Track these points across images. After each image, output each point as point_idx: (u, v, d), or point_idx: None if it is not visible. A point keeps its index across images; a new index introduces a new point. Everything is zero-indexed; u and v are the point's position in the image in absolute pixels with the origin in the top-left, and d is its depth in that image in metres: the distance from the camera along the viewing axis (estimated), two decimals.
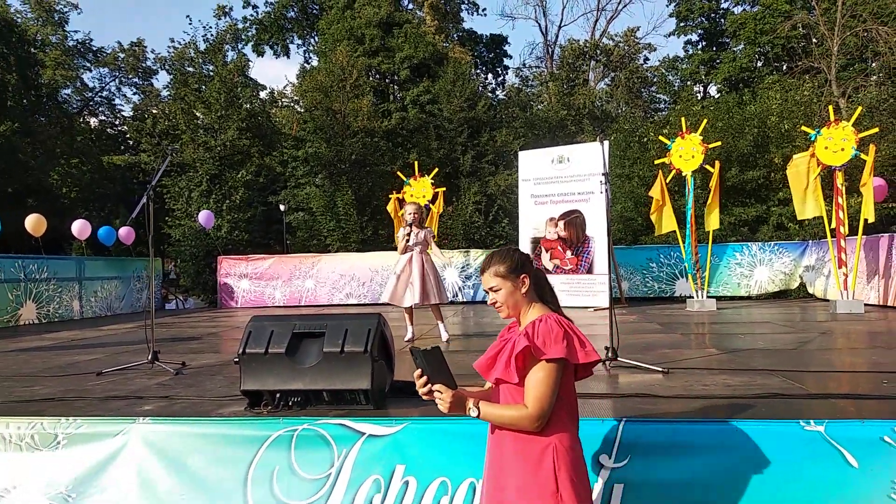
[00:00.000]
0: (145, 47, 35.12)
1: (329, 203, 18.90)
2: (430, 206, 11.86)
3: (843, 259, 8.82)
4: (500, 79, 35.12)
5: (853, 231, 9.18)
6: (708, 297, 10.13)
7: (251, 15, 34.20)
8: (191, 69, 20.05)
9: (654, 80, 33.05)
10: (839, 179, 8.73)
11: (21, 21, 34.05)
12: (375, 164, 22.11)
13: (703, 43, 29.64)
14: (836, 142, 8.66)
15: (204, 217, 13.30)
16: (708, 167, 9.82)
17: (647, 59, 34.37)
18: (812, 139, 8.90)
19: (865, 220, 8.50)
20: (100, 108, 38.14)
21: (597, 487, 3.00)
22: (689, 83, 29.18)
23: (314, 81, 21.84)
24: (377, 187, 21.93)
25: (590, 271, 10.67)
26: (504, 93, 35.32)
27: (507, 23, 63.62)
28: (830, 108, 9.68)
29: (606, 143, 10.71)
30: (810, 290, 11.24)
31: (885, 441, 2.98)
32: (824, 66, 23.43)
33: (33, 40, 33.07)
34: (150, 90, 35.60)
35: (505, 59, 35.34)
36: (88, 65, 37.22)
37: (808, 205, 8.98)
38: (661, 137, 10.71)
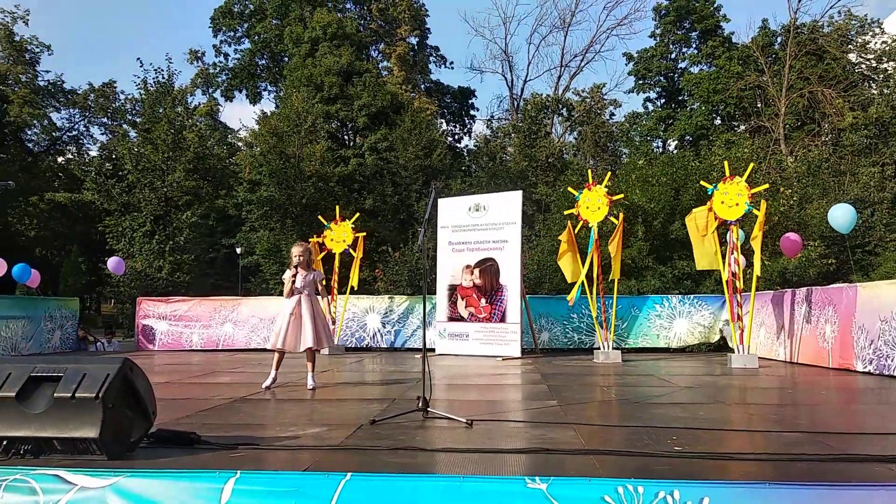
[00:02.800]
0: (115, 88, 35.22)
1: (273, 248, 18.79)
2: (351, 251, 11.78)
3: (739, 314, 8.78)
4: (466, 129, 35.59)
5: (771, 286, 9.16)
6: (614, 348, 10.03)
7: (220, 62, 34.65)
8: (136, 110, 20.05)
9: (618, 134, 33.69)
10: (734, 234, 8.77)
11: None
12: (328, 209, 22.13)
13: (663, 100, 30.35)
14: (732, 197, 8.73)
15: (113, 263, 13.07)
16: (612, 219, 9.85)
17: (612, 114, 35.12)
18: (710, 193, 8.98)
19: (758, 277, 8.51)
20: (67, 147, 38.13)
21: None
22: (647, 139, 29.73)
23: (268, 126, 22.01)
24: (365, 234, 21.91)
25: (503, 320, 10.56)
26: (473, 142, 35.87)
27: (475, 76, 64.99)
28: (726, 163, 9.80)
29: (520, 192, 10.83)
30: (730, 344, 11.18)
31: (605, 501, 2.84)
32: (773, 125, 24.00)
33: (2, 77, 33.22)
34: (117, 130, 35.71)
35: (472, 110, 35.95)
36: (57, 105, 37.34)
37: (703, 257, 9.00)
38: (569, 188, 10.77)
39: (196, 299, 13.16)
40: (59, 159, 37.01)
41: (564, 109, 33.32)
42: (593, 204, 9.90)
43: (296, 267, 6.33)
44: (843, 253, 17.38)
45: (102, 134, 37.40)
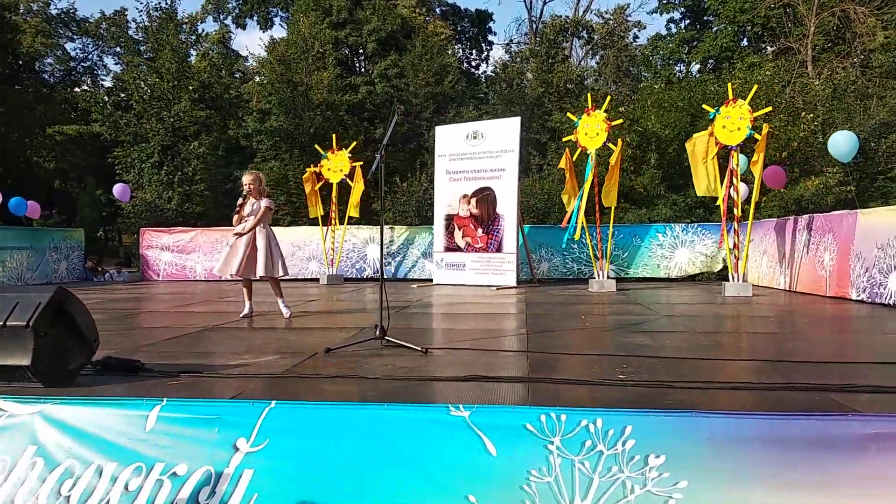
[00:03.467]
0: (126, 17, 34.64)
1: (282, 178, 18.70)
2: (349, 180, 11.65)
3: (736, 242, 8.57)
4: (483, 55, 34.57)
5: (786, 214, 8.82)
6: (614, 278, 9.91)
7: None
8: (141, 38, 19.73)
9: (640, 58, 32.47)
10: (734, 160, 8.46)
11: None
12: (337, 139, 21.87)
13: (687, 21, 29.01)
14: (734, 121, 8.38)
15: (118, 190, 13.13)
16: (610, 145, 9.54)
17: (636, 36, 33.80)
18: (711, 118, 8.62)
19: (758, 203, 8.23)
20: (82, 78, 37.94)
21: (226, 472, 2.86)
22: (669, 62, 28.62)
23: (276, 53, 21.57)
24: (362, 162, 21.73)
25: (499, 249, 10.46)
26: (491, 69, 34.89)
27: None
28: (729, 85, 9.35)
29: (518, 119, 10.52)
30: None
31: (527, 429, 2.80)
32: (801, 46, 22.84)
33: (13, 5, 32.76)
34: (129, 60, 35.36)
35: (489, 35, 34.81)
36: (71, 34, 36.96)
37: (701, 184, 8.73)
38: (568, 114, 10.42)
39: (197, 229, 13.24)
40: (77, 90, 36.90)
41: (585, 32, 32.09)
42: (592, 130, 9.58)
43: (244, 196, 6.25)
44: (864, 179, 16.82)
45: (116, 64, 37.08)
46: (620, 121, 10.22)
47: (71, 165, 32.22)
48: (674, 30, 29.37)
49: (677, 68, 28.93)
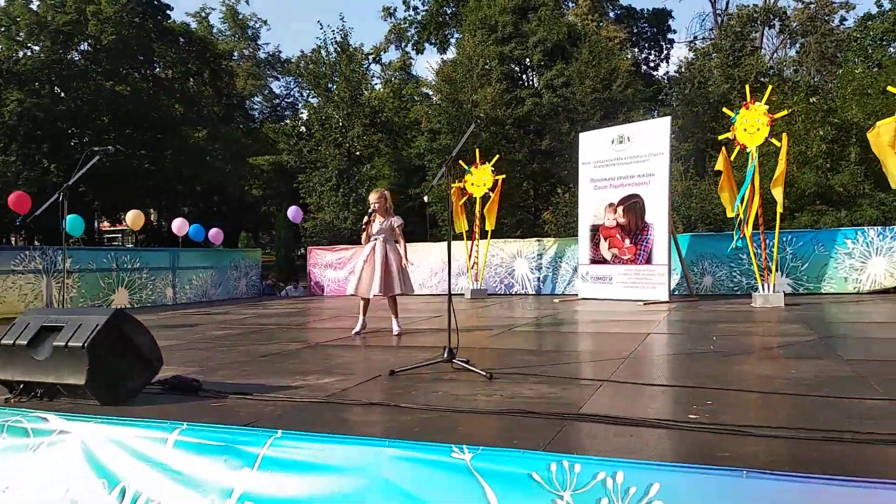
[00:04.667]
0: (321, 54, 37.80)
1: (443, 194, 19.06)
2: (490, 193, 11.47)
3: None
4: (663, 55, 32.74)
5: None
6: (786, 293, 8.62)
7: (410, 16, 35.43)
8: (323, 70, 21.27)
9: (847, 42, 28.72)
10: None
11: (220, 38, 38.68)
12: (504, 153, 21.85)
13: None
14: None
15: (291, 212, 14.13)
16: (774, 140, 8.33)
17: (843, 18, 30.04)
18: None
19: None
20: (286, 113, 41.99)
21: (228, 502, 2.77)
22: (882, 43, 24.90)
23: (443, 74, 22.15)
24: (504, 176, 21.68)
25: (648, 261, 9.63)
26: (674, 69, 33.00)
27: None
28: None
29: (668, 119, 9.64)
30: None
31: (533, 479, 2.38)
32: None
33: (228, 54, 37.24)
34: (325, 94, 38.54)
35: (669, 33, 32.90)
36: (276, 74, 41.19)
37: (895, 176, 7.28)
38: (724, 109, 9.31)
39: (356, 247, 13.82)
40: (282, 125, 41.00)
41: (777, 20, 29.09)
42: (751, 125, 8.46)
43: (372, 213, 6.25)
44: None
45: (314, 97, 40.65)
46: (785, 112, 8.91)
47: (274, 192, 35.73)
48: (886, 6, 25.52)
49: (892, 49, 25.12)
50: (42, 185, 25.76)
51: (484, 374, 3.93)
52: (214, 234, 13.32)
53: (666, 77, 33.15)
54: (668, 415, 2.92)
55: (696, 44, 31.77)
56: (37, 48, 24.35)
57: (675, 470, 2.24)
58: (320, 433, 2.84)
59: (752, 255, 8.86)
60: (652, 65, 32.41)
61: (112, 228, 41.58)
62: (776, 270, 9.82)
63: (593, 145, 10.51)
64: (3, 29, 23.19)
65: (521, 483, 2.39)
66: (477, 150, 12.19)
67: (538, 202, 24.65)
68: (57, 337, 3.49)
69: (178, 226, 12.99)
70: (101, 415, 3.22)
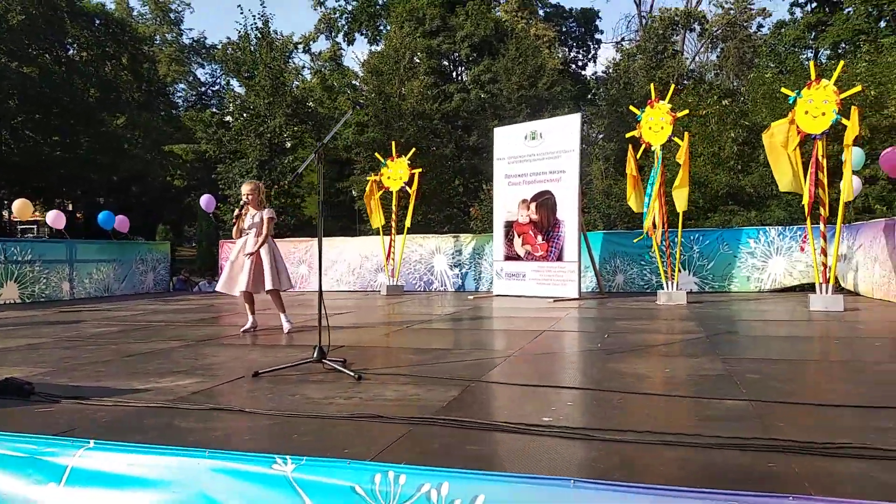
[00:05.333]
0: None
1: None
2: (407, 188, 11.27)
3: (823, 247, 7.25)
4: (590, 55, 33.26)
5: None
6: (682, 290, 8.76)
7: (341, 5, 34.82)
8: (243, 57, 20.59)
9: (762, 48, 29.91)
10: (819, 150, 7.16)
11: (141, 21, 37.05)
12: (430, 147, 21.69)
13: (814, 4, 26.27)
14: (817, 105, 7.10)
15: (204, 201, 13.57)
16: (676, 139, 8.45)
17: (760, 26, 31.29)
18: (791, 102, 7.39)
19: (847, 203, 6.91)
20: (212, 102, 40.58)
21: None
22: (794, 49, 26.01)
23: (370, 66, 21.79)
24: (430, 170, 21.52)
25: (560, 258, 9.63)
26: (601, 69, 33.58)
27: None
28: (812, 64, 7.98)
29: (578, 115, 9.66)
30: (843, 284, 9.45)
31: (356, 492, 2.18)
32: None
33: (149, 38, 35.67)
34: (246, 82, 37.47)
35: (597, 33, 33.45)
36: (201, 61, 39.77)
37: (784, 178, 7.47)
38: (631, 107, 9.41)
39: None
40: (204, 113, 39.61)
41: (697, 24, 30.00)
42: (656, 123, 8.56)
43: (243, 206, 5.95)
44: None
45: (240, 86, 39.47)
46: (686, 112, 9.06)
47: (199, 182, 34.53)
48: (798, 14, 26.70)
49: (804, 56, 26.26)
50: None
51: (353, 374, 3.73)
52: (120, 221, 12.61)
53: (594, 76, 33.73)
54: (522, 418, 2.78)
55: (622, 45, 32.48)
56: None
57: (502, 480, 2.10)
58: (137, 444, 2.57)
59: (657, 253, 8.96)
60: (580, 64, 32.88)
61: (27, 219, 39.29)
62: (683, 269, 10.04)
63: (507, 141, 10.45)
64: None
65: (343, 496, 2.19)
66: (393, 144, 11.96)
67: (467, 198, 24.62)
68: None
69: (53, 218, 12.17)
70: None
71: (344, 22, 35.12)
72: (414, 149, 11.92)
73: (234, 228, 6.04)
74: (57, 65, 28.54)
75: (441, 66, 24.25)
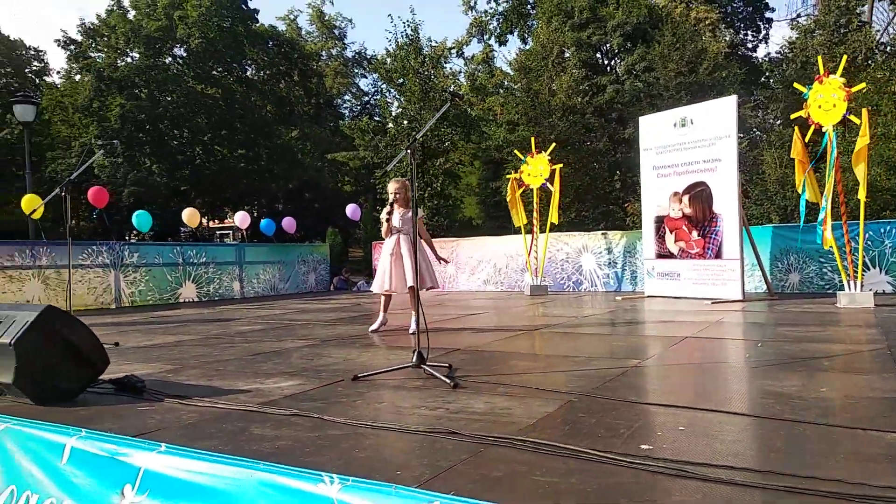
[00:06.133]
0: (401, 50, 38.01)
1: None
2: (548, 185, 10.85)
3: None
4: (762, 35, 30.47)
5: None
6: (864, 290, 7.52)
7: (491, 7, 34.89)
8: (394, 64, 21.21)
9: None
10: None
11: (309, 39, 39.71)
12: (582, 143, 20.96)
13: None
14: (827, 99, 5.98)
15: (350, 210, 14.07)
16: (852, 118, 7.25)
17: None
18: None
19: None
20: (375, 110, 42.56)
21: None
22: None
23: (517, 64, 21.54)
24: (583, 166, 20.79)
25: (718, 255, 8.74)
26: (775, 50, 30.62)
27: None
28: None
29: (734, 98, 8.72)
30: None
31: None
32: None
33: (316, 54, 38.15)
34: (398, 89, 38.75)
35: (767, 11, 30.57)
36: (364, 72, 41.81)
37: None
38: (795, 84, 8.23)
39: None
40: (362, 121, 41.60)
41: None
42: (826, 101, 7.43)
43: (391, 204, 5.86)
44: None
45: (393, 94, 41.03)
46: (862, 85, 7.76)
47: (365, 188, 36.32)
48: None
49: None
50: (148, 185, 27.35)
51: (449, 382, 3.49)
52: (288, 223, 13.55)
53: (767, 58, 30.83)
54: (614, 444, 2.38)
55: (798, 21, 29.31)
56: (136, 55, 25.79)
57: None
58: (202, 451, 2.51)
59: (834, 249, 7.80)
60: (750, 46, 30.21)
61: (222, 225, 43.46)
62: (873, 266, 8.76)
63: (654, 129, 9.70)
64: (104, 38, 24.68)
65: None
66: (532, 140, 11.59)
67: (624, 193, 23.55)
68: None
69: (240, 219, 13.22)
70: (21, 416, 3.04)
71: (496, 24, 35.15)
72: (554, 143, 11.47)
73: (384, 228, 6.00)
74: (238, 84, 31.34)
75: (592, 59, 23.36)
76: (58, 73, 31.89)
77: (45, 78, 31.99)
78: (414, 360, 3.79)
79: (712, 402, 3.02)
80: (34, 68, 31.56)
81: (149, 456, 2.52)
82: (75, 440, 2.74)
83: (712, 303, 8.32)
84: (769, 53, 32.27)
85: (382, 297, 6.23)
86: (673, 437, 2.45)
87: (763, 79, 28.63)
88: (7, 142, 25.37)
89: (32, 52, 34.47)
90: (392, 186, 5.97)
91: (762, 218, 15.21)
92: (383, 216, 5.97)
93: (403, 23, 20.52)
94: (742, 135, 21.27)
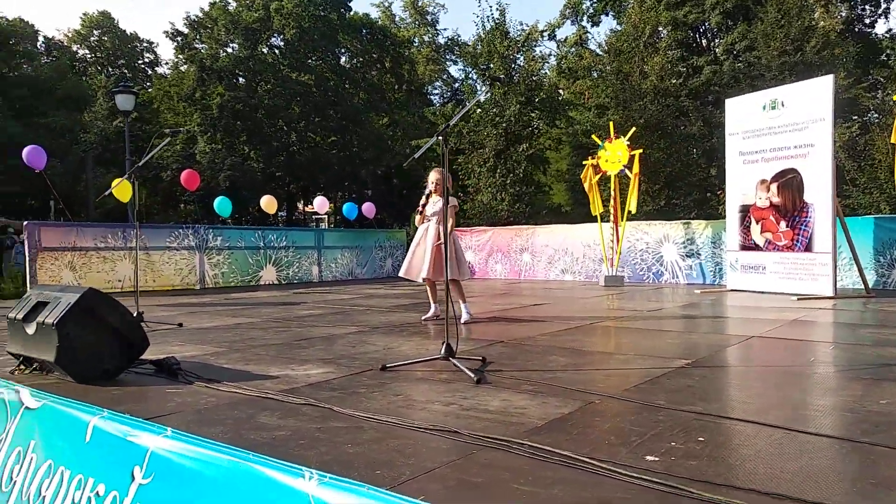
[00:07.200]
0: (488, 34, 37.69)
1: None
2: (627, 171, 10.42)
3: None
4: (881, 10, 27.95)
5: None
6: None
7: None
8: (479, 49, 21.01)
9: None
10: None
11: (402, 26, 40.09)
12: (674, 127, 20.04)
13: None
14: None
15: (366, 208, 14.04)
16: None
17: None
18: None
19: None
20: (464, 97, 42.50)
21: (126, 502, 2.58)
22: None
23: (608, 45, 20.84)
24: (675, 151, 19.88)
25: (808, 248, 8.12)
26: None
27: None
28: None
29: (830, 77, 8.03)
30: None
31: None
32: None
33: (408, 41, 38.46)
34: (482, 73, 38.35)
35: None
36: (454, 58, 41.79)
37: None
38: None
39: (493, 229, 13.44)
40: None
41: None
42: None
43: (428, 193, 5.81)
44: None
45: (479, 79, 40.76)
46: None
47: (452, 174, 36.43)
48: None
49: None
50: (245, 170, 28.61)
51: (472, 377, 3.38)
52: (367, 208, 13.80)
53: (889, 34, 28.30)
54: (618, 454, 2.20)
55: None
56: (235, 46, 26.89)
57: None
58: (202, 438, 2.53)
59: None
60: (867, 22, 27.82)
61: (315, 210, 44.92)
62: None
63: (742, 112, 9.08)
64: (207, 30, 25.87)
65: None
66: (611, 124, 11.15)
67: (720, 180, 22.39)
68: (41, 313, 3.56)
69: (319, 203, 13.53)
70: (62, 394, 3.20)
71: (589, 3, 34.14)
72: (633, 129, 10.98)
73: (419, 216, 5.97)
74: (331, 72, 32.09)
75: (688, 39, 22.26)
76: (166, 63, 33.81)
77: (156, 69, 34.02)
78: (442, 352, 3.70)
79: (748, 411, 2.76)
80: (146, 60, 33.63)
81: (156, 439, 2.56)
82: (97, 419, 2.84)
83: (798, 299, 7.75)
84: (891, 30, 29.65)
85: (427, 287, 6.20)
86: (686, 450, 2.25)
87: (883, 57, 26.38)
88: (121, 130, 27.21)
89: (146, 44, 36.74)
90: (433, 175, 5.91)
91: (870, 207, 14.04)
92: (424, 203, 5.93)
93: (491, 6, 20.29)
94: (856, 117, 19.69)
